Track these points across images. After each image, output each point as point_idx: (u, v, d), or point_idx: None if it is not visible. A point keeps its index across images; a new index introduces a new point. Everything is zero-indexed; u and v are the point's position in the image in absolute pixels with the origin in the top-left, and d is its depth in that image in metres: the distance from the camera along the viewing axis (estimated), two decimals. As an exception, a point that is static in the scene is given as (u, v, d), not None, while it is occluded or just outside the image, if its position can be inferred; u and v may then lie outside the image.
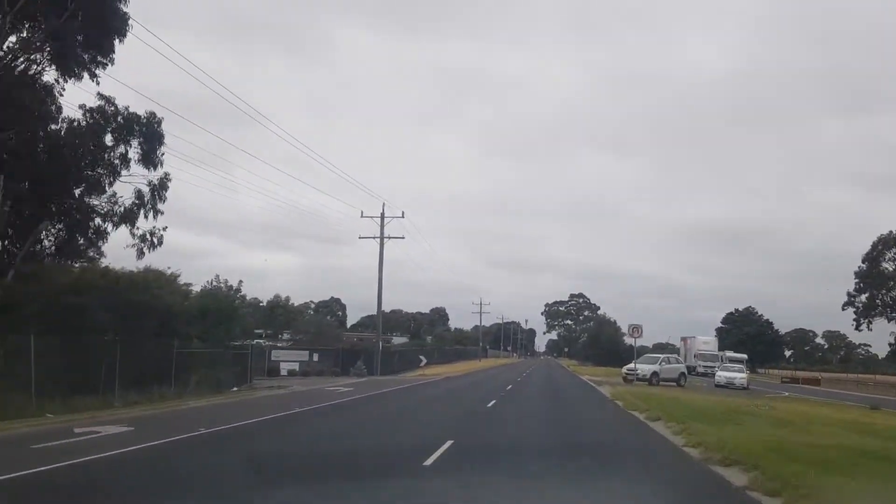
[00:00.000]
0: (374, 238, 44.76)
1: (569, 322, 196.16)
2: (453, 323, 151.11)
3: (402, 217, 45.07)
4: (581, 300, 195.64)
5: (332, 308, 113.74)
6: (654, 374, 44.09)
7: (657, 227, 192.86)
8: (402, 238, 46.35)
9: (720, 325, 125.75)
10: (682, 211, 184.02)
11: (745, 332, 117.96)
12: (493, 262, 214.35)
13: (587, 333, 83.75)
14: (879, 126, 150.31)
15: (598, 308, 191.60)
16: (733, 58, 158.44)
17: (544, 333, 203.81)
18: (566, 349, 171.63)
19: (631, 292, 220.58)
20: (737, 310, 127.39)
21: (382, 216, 44.52)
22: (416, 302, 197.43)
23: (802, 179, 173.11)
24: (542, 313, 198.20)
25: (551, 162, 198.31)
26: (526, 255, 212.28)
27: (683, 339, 78.06)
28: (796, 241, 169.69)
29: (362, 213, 45.01)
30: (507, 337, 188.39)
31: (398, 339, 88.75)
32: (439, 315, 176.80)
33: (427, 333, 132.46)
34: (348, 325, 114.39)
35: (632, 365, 46.43)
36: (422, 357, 46.11)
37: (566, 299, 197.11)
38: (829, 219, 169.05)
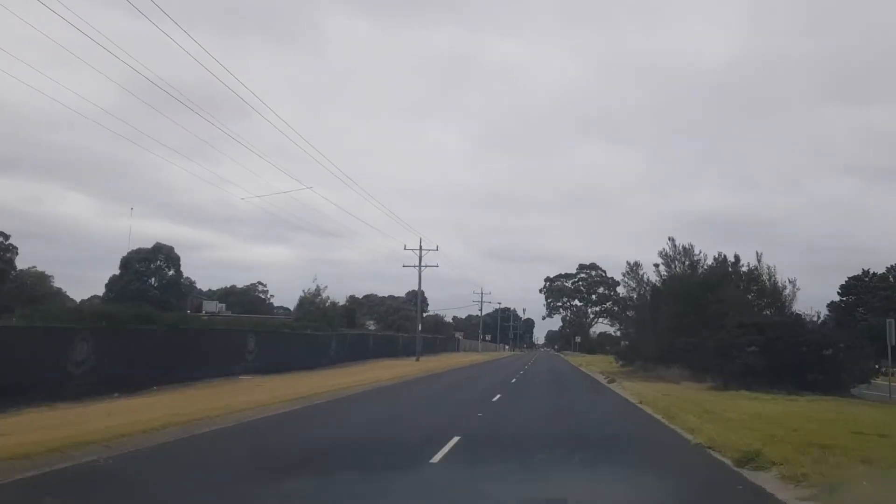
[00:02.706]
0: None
1: (577, 303, 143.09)
2: (438, 311, 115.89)
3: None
4: (594, 273, 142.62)
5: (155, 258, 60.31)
6: None
7: (654, 218, 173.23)
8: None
9: (838, 297, 75.13)
10: (679, 201, 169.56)
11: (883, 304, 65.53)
12: (487, 254, 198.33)
13: (673, 282, 31.38)
14: (877, 116, 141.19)
15: (618, 283, 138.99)
16: (731, 45, 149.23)
17: (543, 319, 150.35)
18: (577, 338, 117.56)
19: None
20: (868, 272, 75.73)
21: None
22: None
23: (801, 169, 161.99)
24: (540, 290, 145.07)
25: (546, 152, 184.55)
26: (521, 247, 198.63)
27: None
28: (796, 232, 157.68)
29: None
30: (490, 325, 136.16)
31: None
32: (416, 300, 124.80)
33: (403, 320, 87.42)
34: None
35: None
36: None
37: (573, 272, 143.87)
38: (827, 210, 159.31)
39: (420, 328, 54.58)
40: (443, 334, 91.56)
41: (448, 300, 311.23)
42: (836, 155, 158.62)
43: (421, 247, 54.88)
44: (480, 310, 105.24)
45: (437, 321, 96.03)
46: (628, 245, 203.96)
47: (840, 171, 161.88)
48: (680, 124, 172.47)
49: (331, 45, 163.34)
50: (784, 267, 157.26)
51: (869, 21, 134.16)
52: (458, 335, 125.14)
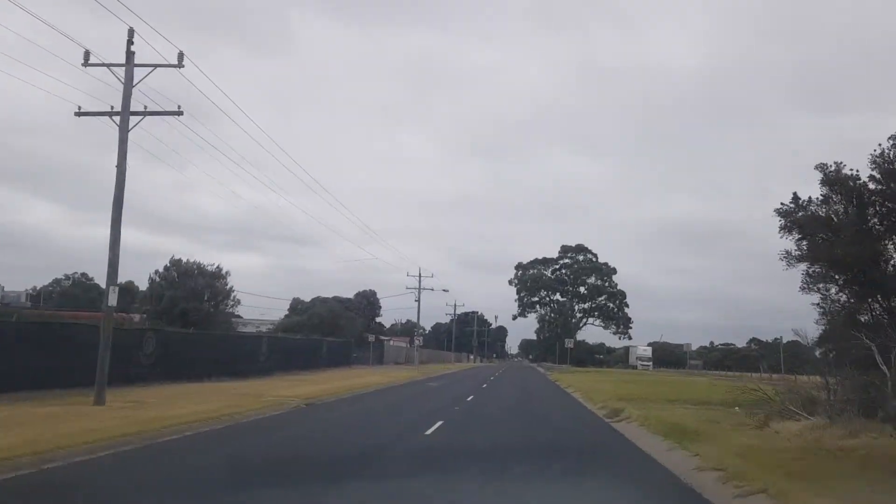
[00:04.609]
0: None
1: (559, 297, 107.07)
2: (393, 314, 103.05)
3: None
4: (582, 257, 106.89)
5: None
6: None
7: (628, 226, 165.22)
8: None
9: None
10: (653, 209, 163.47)
11: None
12: (461, 262, 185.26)
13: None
14: (848, 124, 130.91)
15: (615, 271, 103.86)
16: (705, 53, 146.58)
17: (514, 318, 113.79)
18: (569, 343, 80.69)
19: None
20: None
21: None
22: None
23: (772, 178, 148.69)
24: (510, 282, 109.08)
25: (521, 159, 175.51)
26: (495, 255, 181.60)
27: None
28: (767, 241, 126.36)
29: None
30: (466, 334, 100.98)
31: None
32: (368, 301, 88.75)
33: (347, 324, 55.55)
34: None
35: None
36: None
37: (554, 256, 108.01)
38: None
39: (113, 300, 17.30)
40: (341, 336, 55.28)
41: (426, 309, 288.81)
42: (806, 163, 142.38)
43: (129, 54, 18.55)
44: (418, 299, 69.20)
45: (334, 313, 59.69)
46: (606, 252, 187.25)
47: (811, 179, 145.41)
48: (654, 132, 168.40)
49: (301, 48, 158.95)
50: (758, 280, 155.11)
51: (838, 29, 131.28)
52: (397, 342, 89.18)
